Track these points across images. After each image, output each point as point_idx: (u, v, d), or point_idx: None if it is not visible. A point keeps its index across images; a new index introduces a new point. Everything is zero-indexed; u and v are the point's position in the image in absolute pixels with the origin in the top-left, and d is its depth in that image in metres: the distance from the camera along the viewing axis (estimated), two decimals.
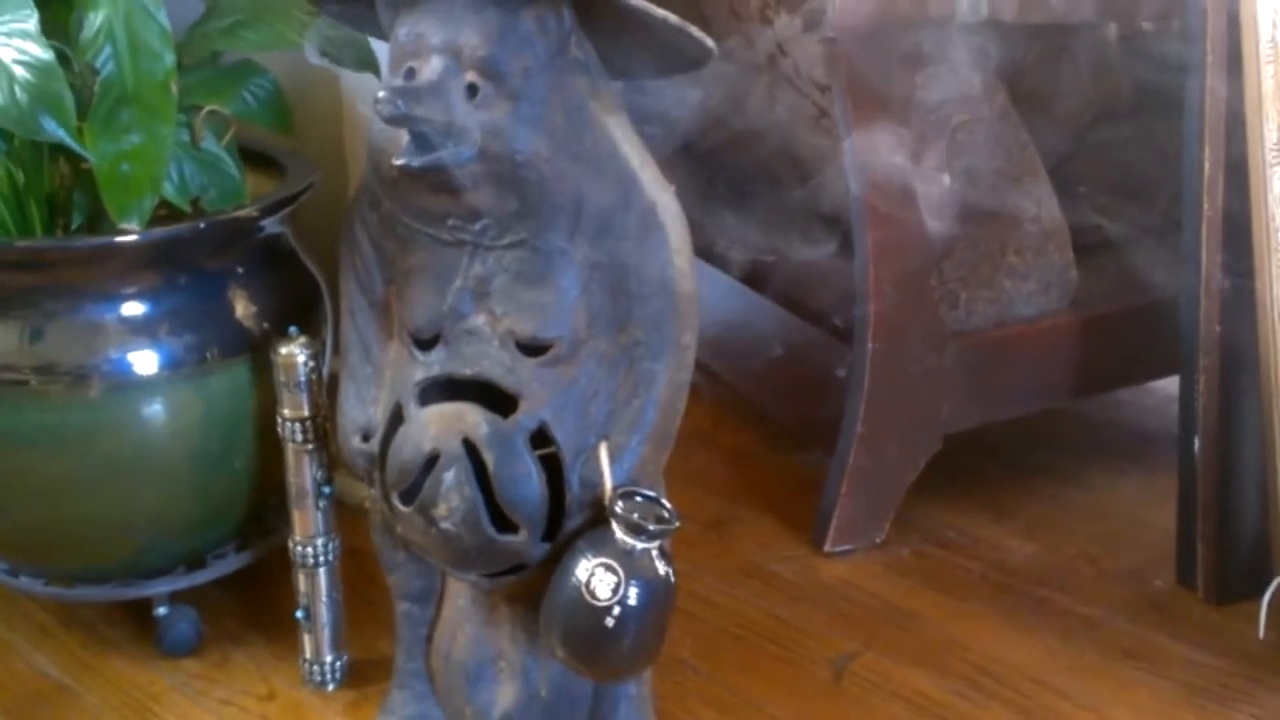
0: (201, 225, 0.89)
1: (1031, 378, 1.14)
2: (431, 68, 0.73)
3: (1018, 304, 1.12)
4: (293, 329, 0.89)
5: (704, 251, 0.98)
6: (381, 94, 0.71)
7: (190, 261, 0.90)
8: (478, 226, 0.76)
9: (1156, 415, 1.30)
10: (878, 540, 1.11)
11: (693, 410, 0.79)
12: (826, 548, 1.10)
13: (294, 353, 0.88)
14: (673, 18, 0.72)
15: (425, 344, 0.79)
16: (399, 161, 0.72)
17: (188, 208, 0.92)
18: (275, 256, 0.96)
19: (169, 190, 0.89)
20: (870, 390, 1.08)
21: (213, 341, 0.90)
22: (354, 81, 1.14)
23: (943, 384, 1.10)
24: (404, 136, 0.73)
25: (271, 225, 0.94)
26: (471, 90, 0.73)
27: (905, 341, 1.08)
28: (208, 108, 0.90)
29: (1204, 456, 1.01)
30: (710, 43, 0.74)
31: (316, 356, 0.89)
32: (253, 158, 1.00)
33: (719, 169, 1.28)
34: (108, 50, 0.84)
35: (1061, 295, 1.13)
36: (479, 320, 0.77)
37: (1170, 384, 1.11)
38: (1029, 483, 1.21)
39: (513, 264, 0.76)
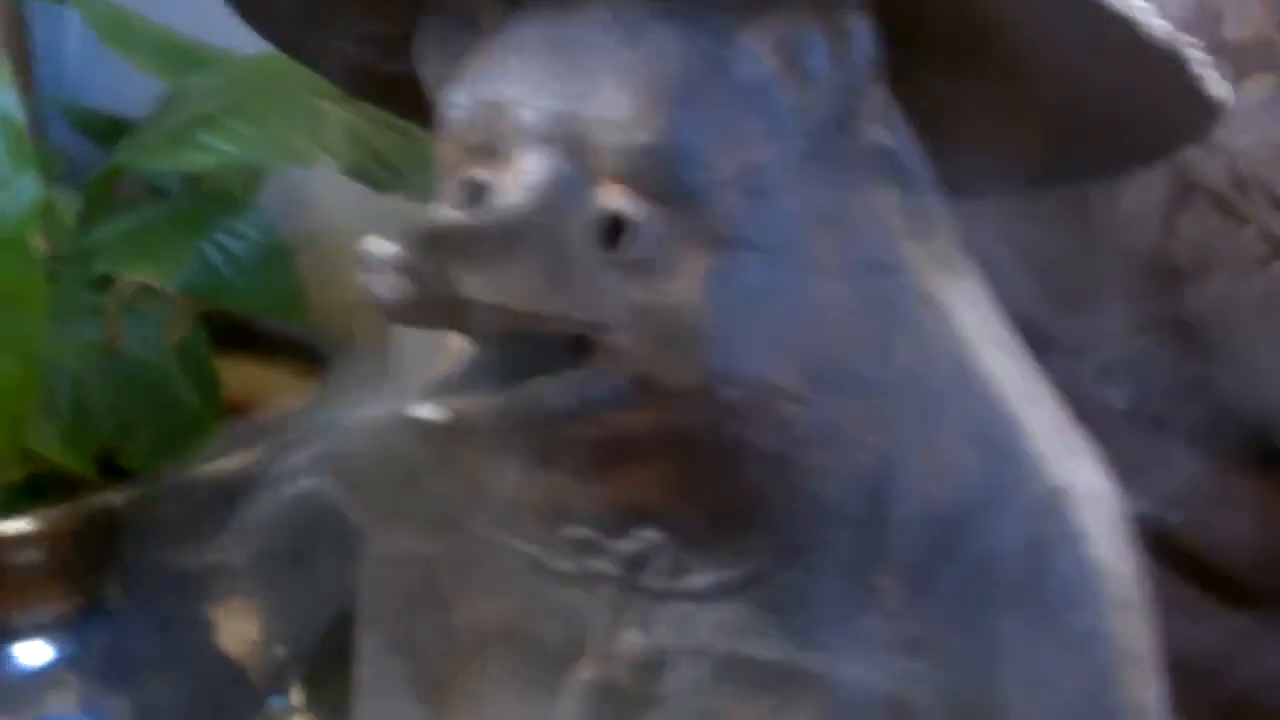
0: (109, 505, 0.46)
1: None
2: (523, 176, 0.30)
3: None
4: (277, 701, 0.45)
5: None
6: (374, 249, 0.28)
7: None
8: (631, 546, 0.32)
9: None
10: None
11: None
12: None
13: None
14: (1156, 24, 0.28)
15: None
16: (424, 410, 0.29)
17: (92, 471, 0.48)
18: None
19: (48, 437, 0.46)
20: None
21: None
22: None
23: None
24: (455, 341, 0.31)
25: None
26: (611, 231, 0.29)
27: None
28: (131, 278, 0.47)
29: None
30: (1222, 91, 0.29)
31: None
32: (263, 343, 0.58)
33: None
34: None
35: None
36: None
37: None
38: None
39: (719, 635, 0.32)
